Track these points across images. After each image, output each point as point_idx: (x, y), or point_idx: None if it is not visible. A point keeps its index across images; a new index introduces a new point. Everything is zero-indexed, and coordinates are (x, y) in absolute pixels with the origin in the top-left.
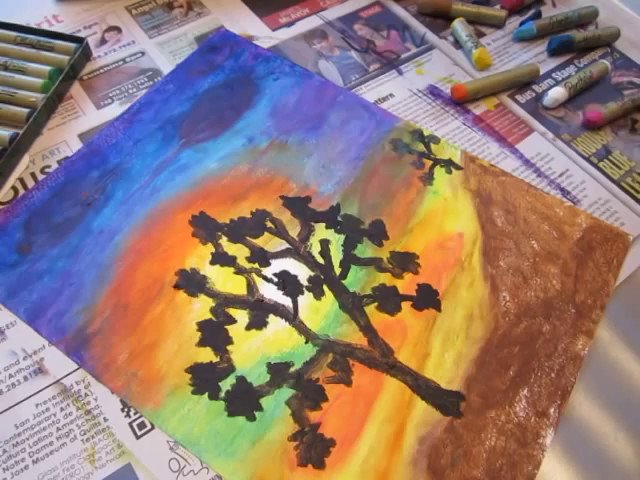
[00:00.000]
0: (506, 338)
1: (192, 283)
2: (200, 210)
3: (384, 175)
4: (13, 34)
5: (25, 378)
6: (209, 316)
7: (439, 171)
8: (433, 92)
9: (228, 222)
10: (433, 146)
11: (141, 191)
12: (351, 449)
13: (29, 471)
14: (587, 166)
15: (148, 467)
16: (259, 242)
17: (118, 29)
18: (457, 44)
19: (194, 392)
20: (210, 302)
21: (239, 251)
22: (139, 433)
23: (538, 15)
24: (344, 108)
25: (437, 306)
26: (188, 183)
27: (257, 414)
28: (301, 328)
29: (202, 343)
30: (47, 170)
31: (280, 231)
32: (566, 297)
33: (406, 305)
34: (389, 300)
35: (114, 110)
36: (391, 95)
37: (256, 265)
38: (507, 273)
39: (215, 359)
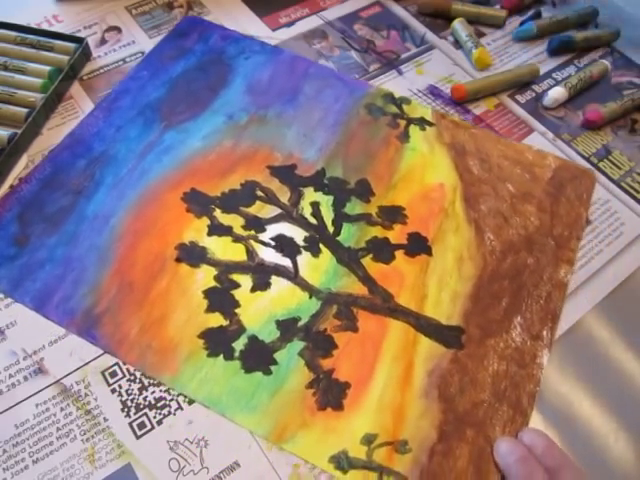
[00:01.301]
0: (495, 273)
1: (193, 255)
2: (191, 187)
3: (363, 137)
4: (13, 34)
5: (25, 378)
6: (214, 284)
7: (414, 129)
8: (433, 92)
9: (219, 195)
10: (405, 107)
11: (130, 174)
12: (366, 389)
13: (29, 471)
14: (587, 166)
15: (148, 467)
16: (252, 211)
17: (118, 29)
18: (457, 44)
19: (209, 355)
20: (213, 271)
21: (234, 221)
22: (139, 433)
23: (538, 15)
24: (317, 79)
25: (428, 251)
26: (175, 163)
27: (273, 368)
28: (303, 285)
29: (210, 309)
30: None
31: (271, 198)
32: (545, 231)
33: (399, 253)
34: (383, 250)
35: None
36: None
37: (252, 232)
38: (489, 215)
39: (225, 322)
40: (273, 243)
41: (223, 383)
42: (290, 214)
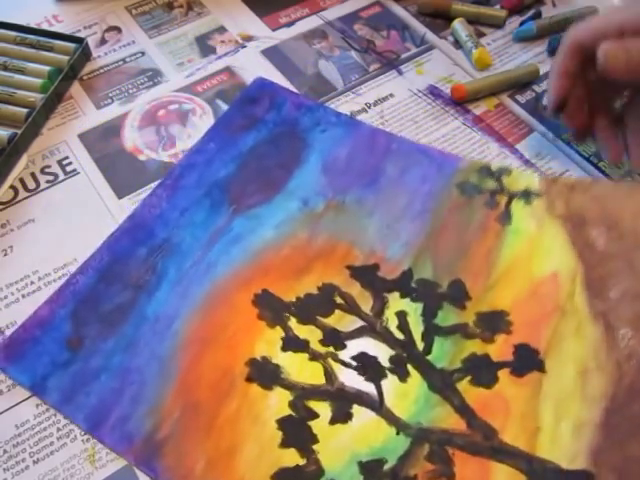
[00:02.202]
0: (636, 388)
1: (265, 374)
2: (262, 288)
3: (455, 225)
4: (13, 34)
5: None
6: (289, 412)
7: (517, 205)
8: (433, 92)
9: (294, 300)
10: (506, 179)
11: (195, 268)
12: None
13: (30, 471)
14: (587, 166)
15: None
16: (330, 321)
17: (118, 29)
18: (457, 44)
19: None
20: (287, 395)
21: (311, 333)
22: None
23: (538, 15)
24: (400, 156)
25: (541, 367)
26: (245, 256)
27: None
28: (390, 417)
29: (285, 444)
30: (47, 170)
31: (351, 307)
32: None
33: (503, 374)
34: (483, 371)
35: (114, 110)
36: (391, 95)
37: (331, 349)
38: (623, 303)
39: (301, 461)
40: (354, 363)
41: None
42: (373, 327)
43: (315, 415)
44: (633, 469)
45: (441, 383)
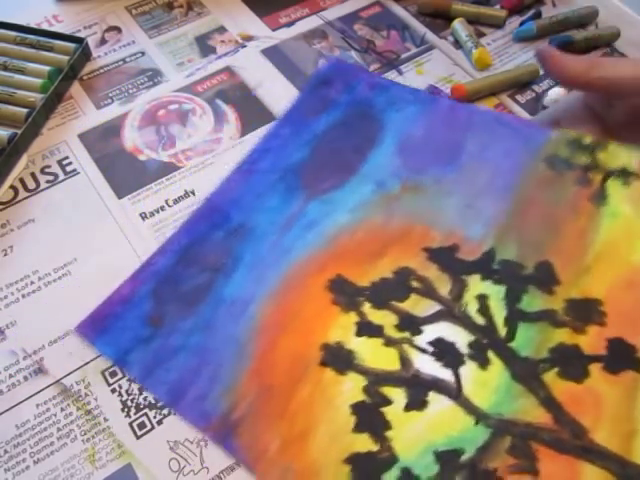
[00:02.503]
0: None
1: (339, 359)
2: (337, 273)
3: (543, 203)
4: (13, 34)
5: (25, 378)
6: (362, 397)
7: (613, 185)
8: (433, 92)
9: (369, 285)
10: (600, 154)
11: (270, 253)
12: None
13: (30, 471)
14: None
15: (148, 467)
16: (406, 306)
17: (118, 29)
18: (457, 44)
19: None
20: (361, 380)
21: (385, 318)
22: (139, 433)
23: (538, 15)
24: (482, 131)
25: (637, 366)
26: (319, 241)
27: None
28: (468, 406)
29: (359, 429)
30: (47, 170)
31: (428, 290)
32: None
33: (595, 368)
34: (572, 363)
35: (114, 110)
36: None
37: (406, 334)
38: None
39: (374, 447)
40: (431, 349)
41: None
42: (451, 311)
43: (389, 401)
44: None
45: (525, 373)
